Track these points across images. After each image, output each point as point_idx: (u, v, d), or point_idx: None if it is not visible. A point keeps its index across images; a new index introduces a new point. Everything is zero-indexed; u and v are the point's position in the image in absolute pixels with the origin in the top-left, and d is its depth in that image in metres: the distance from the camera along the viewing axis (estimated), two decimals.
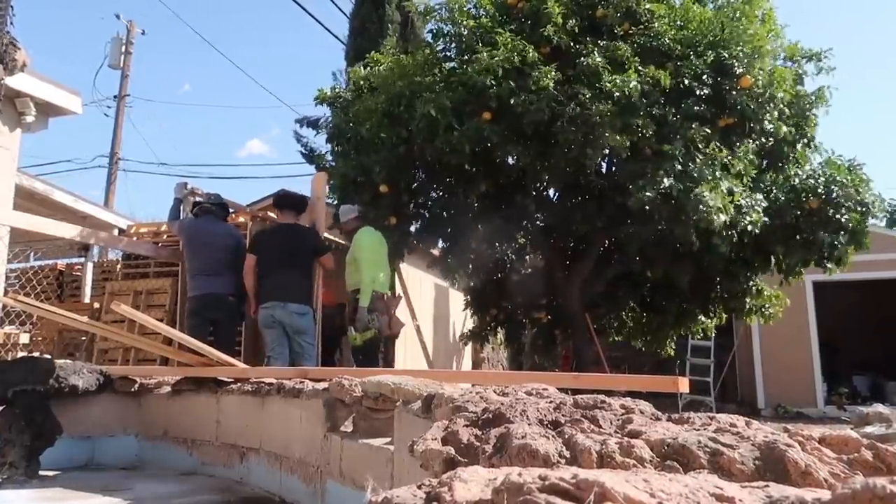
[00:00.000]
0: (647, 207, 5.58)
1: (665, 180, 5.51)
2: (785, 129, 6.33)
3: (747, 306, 7.84)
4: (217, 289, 4.95)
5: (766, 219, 6.18)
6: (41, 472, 2.85)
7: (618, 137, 5.50)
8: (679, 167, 5.64)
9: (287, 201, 5.12)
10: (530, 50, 5.73)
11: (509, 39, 5.80)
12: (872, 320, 13.05)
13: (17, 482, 2.70)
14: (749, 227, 6.00)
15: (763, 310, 7.92)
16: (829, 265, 7.02)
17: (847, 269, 7.36)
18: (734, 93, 5.91)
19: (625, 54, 5.71)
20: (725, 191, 5.66)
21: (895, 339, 12.66)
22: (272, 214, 7.57)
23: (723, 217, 5.51)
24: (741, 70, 5.88)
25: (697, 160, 5.73)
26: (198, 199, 5.36)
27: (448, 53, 6.92)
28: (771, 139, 6.52)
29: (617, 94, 5.44)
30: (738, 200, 5.81)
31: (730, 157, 5.93)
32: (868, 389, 12.28)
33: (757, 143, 6.54)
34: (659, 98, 5.72)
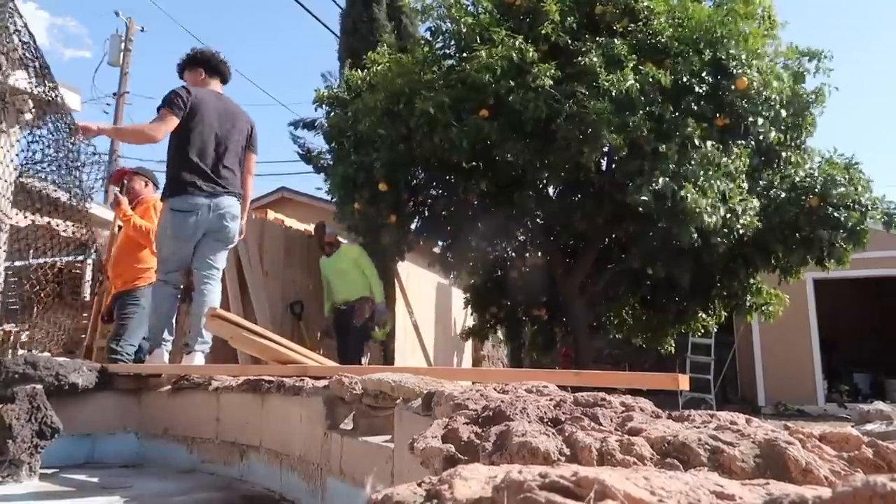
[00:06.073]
0: (641, 208, 5.59)
1: (660, 180, 5.51)
2: (774, 133, 6.30)
3: (747, 304, 7.84)
4: None
5: (758, 224, 6.17)
6: (41, 470, 2.85)
7: (615, 136, 5.49)
8: (674, 167, 5.63)
9: None
10: (530, 50, 5.71)
11: (506, 37, 5.78)
12: (873, 317, 13.06)
13: (16, 480, 2.70)
14: (741, 231, 6.00)
15: (763, 308, 7.92)
16: (828, 264, 7.01)
17: (848, 266, 7.36)
18: (729, 93, 5.90)
19: (622, 51, 5.69)
20: (718, 191, 5.64)
21: None
22: (275, 215, 7.58)
23: (714, 217, 5.50)
24: (738, 71, 5.86)
25: (693, 159, 5.71)
26: None
27: (447, 51, 6.91)
28: (766, 140, 6.52)
29: (614, 92, 5.43)
30: (733, 204, 5.78)
31: (725, 158, 5.92)
32: (869, 387, 12.29)
33: (753, 142, 6.53)
34: (657, 96, 5.70)
